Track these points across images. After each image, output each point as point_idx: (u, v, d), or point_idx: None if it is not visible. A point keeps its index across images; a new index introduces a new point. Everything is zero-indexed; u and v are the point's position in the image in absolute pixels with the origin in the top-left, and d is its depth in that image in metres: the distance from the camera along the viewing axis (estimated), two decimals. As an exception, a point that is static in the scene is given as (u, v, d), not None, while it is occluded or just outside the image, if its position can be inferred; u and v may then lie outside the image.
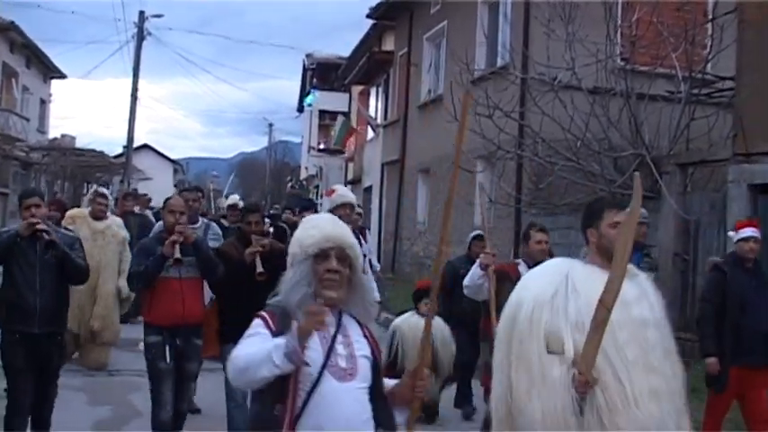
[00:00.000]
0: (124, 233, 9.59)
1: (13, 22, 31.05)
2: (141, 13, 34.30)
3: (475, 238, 8.72)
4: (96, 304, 9.20)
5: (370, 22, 26.45)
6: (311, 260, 3.05)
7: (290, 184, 53.89)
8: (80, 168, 35.13)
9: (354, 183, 31.71)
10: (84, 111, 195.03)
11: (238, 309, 5.65)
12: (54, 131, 40.87)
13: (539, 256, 6.12)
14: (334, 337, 3.03)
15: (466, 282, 6.48)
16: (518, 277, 5.30)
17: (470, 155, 14.72)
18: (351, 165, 33.47)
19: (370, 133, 28.53)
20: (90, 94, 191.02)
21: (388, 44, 26.06)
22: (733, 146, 10.25)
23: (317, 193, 43.59)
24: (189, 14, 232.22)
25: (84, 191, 33.17)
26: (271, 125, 68.64)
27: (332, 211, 6.67)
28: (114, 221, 9.63)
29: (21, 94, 34.34)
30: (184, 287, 6.16)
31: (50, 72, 38.87)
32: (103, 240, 9.21)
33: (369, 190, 27.72)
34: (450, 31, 19.36)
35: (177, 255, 5.97)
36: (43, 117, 39.21)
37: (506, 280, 5.87)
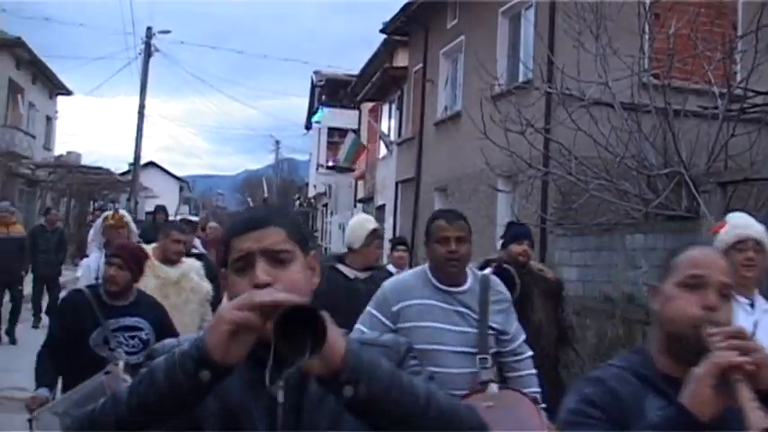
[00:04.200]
0: (208, 286, 6.18)
1: (19, 38, 30.68)
2: (148, 29, 34.16)
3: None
4: None
5: (381, 38, 26.09)
6: None
7: (297, 202, 53.56)
8: (86, 186, 34.80)
9: (366, 201, 31.29)
10: (91, 128, 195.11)
11: None
12: (61, 148, 40.75)
13: None
14: None
15: None
16: None
17: (492, 172, 14.25)
18: (361, 183, 33.02)
19: (383, 151, 28.08)
20: (98, 111, 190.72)
21: (401, 60, 25.65)
22: (780, 163, 9.76)
23: (325, 211, 43.27)
24: (202, 30, 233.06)
25: (91, 208, 32.78)
26: (278, 142, 68.86)
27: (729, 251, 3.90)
28: (192, 267, 6.19)
29: (27, 111, 34.02)
30: None
31: (56, 88, 38.55)
32: (179, 297, 5.74)
33: (381, 209, 27.24)
34: (468, 45, 18.90)
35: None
36: (49, 134, 38.99)
37: None
